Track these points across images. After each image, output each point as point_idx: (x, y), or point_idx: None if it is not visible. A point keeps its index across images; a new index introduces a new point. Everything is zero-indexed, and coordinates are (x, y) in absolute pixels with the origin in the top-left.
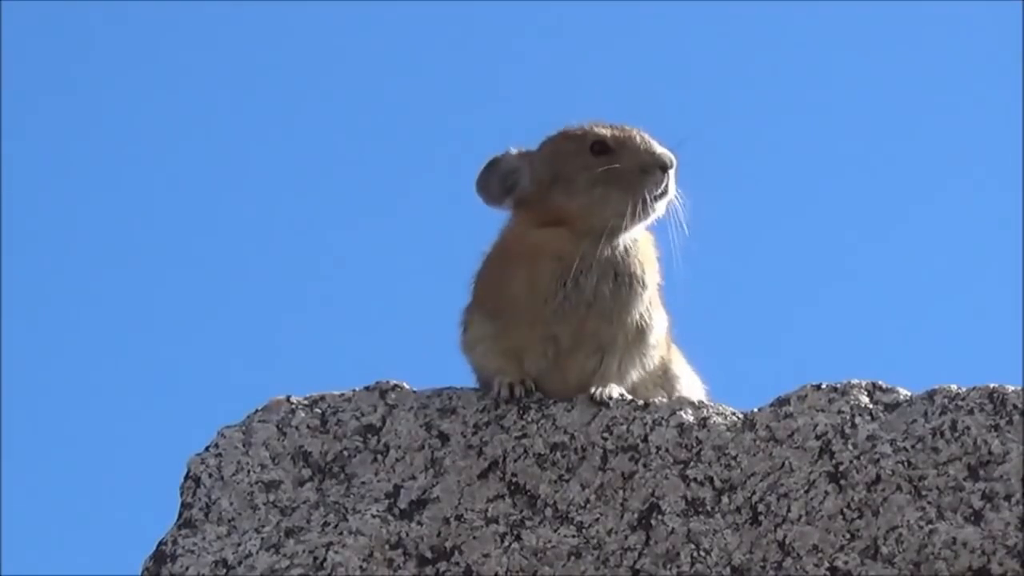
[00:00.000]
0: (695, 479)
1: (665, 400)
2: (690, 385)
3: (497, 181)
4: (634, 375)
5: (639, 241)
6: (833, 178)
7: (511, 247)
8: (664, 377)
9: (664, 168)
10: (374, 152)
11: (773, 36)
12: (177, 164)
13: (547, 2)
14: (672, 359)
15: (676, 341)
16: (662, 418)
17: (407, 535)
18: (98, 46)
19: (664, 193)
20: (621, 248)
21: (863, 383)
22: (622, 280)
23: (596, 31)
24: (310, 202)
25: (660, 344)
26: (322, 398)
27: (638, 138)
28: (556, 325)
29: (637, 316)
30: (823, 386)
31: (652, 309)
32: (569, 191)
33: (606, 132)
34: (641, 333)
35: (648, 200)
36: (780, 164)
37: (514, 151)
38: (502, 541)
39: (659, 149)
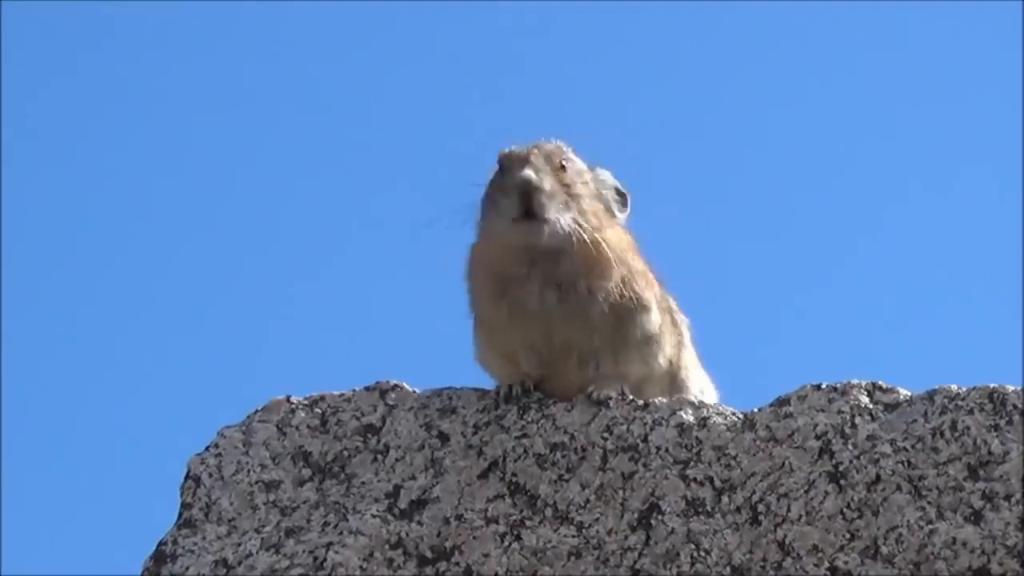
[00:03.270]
0: (695, 479)
1: (665, 400)
2: (701, 392)
3: None
4: (635, 371)
5: (584, 244)
6: (833, 178)
7: (468, 260)
8: (672, 384)
9: (516, 189)
10: (374, 152)
11: (775, 36)
12: (177, 164)
13: (549, 2)
14: (685, 364)
15: (694, 344)
16: (662, 418)
17: (407, 535)
18: (98, 46)
19: (530, 215)
20: (559, 255)
21: (863, 383)
22: (567, 288)
23: (597, 30)
24: (310, 202)
25: (660, 340)
26: (322, 398)
27: (514, 157)
28: (525, 334)
29: (612, 318)
30: (823, 386)
31: (637, 308)
32: (482, 206)
33: (506, 151)
34: (625, 332)
35: (510, 222)
36: (780, 164)
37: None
38: (502, 541)
39: (517, 173)
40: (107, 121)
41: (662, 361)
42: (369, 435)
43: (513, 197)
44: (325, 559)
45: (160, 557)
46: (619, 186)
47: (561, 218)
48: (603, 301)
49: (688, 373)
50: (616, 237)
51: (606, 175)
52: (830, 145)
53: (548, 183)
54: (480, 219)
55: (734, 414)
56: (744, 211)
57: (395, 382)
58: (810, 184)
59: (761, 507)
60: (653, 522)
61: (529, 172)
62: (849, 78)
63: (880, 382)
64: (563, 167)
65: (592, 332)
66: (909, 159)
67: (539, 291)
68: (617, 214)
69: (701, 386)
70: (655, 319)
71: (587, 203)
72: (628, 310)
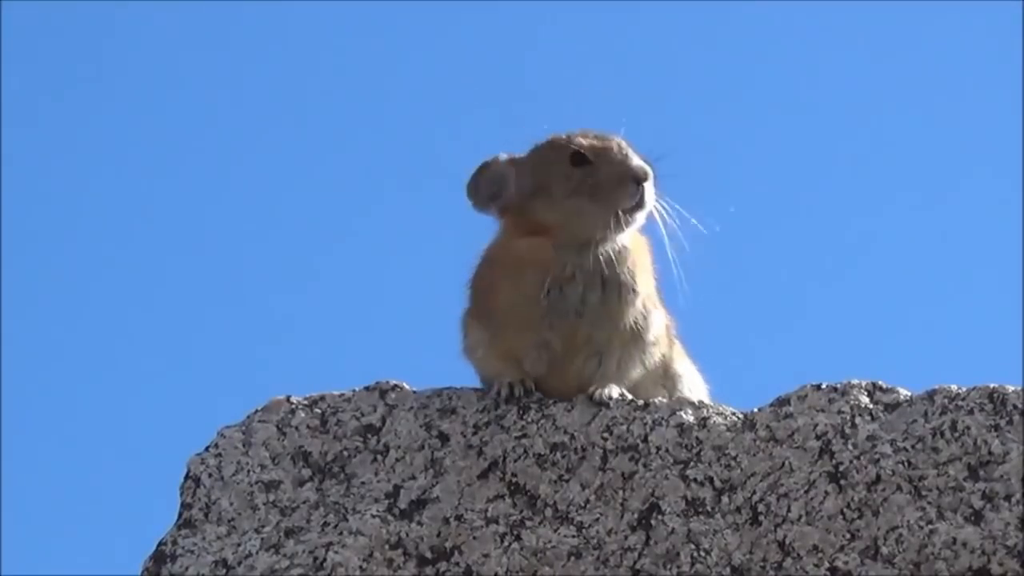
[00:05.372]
0: (695, 479)
1: (665, 400)
2: (692, 383)
3: (485, 186)
4: (635, 374)
5: (629, 248)
6: (833, 178)
7: (496, 256)
8: (665, 376)
9: (639, 181)
10: (374, 152)
11: (773, 36)
12: (177, 164)
13: (548, 1)
14: (674, 357)
15: (680, 338)
16: (662, 418)
17: (407, 535)
18: (98, 46)
19: (640, 205)
20: (607, 256)
21: (863, 383)
22: (611, 289)
23: (598, 30)
24: (310, 202)
25: (660, 341)
26: (322, 398)
27: (616, 149)
28: (546, 332)
29: (631, 321)
30: (823, 386)
31: (648, 310)
32: (548, 202)
33: (586, 143)
34: (636, 335)
35: (623, 213)
36: (780, 163)
37: (504, 157)
38: (502, 541)
39: (635, 161)
40: (107, 121)
41: (657, 360)
42: (369, 435)
43: (630, 187)
44: (325, 559)
45: (160, 557)
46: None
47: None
48: (640, 303)
49: (678, 365)
50: (645, 239)
51: None
52: (830, 144)
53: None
54: (546, 210)
55: (734, 414)
56: (744, 210)
57: (395, 382)
58: (810, 183)
59: (761, 507)
60: (653, 522)
61: (642, 161)
62: (849, 77)
63: (880, 382)
64: None
65: (617, 333)
66: (909, 158)
67: (583, 289)
68: None
69: (690, 377)
70: (663, 320)
71: None
72: (650, 311)
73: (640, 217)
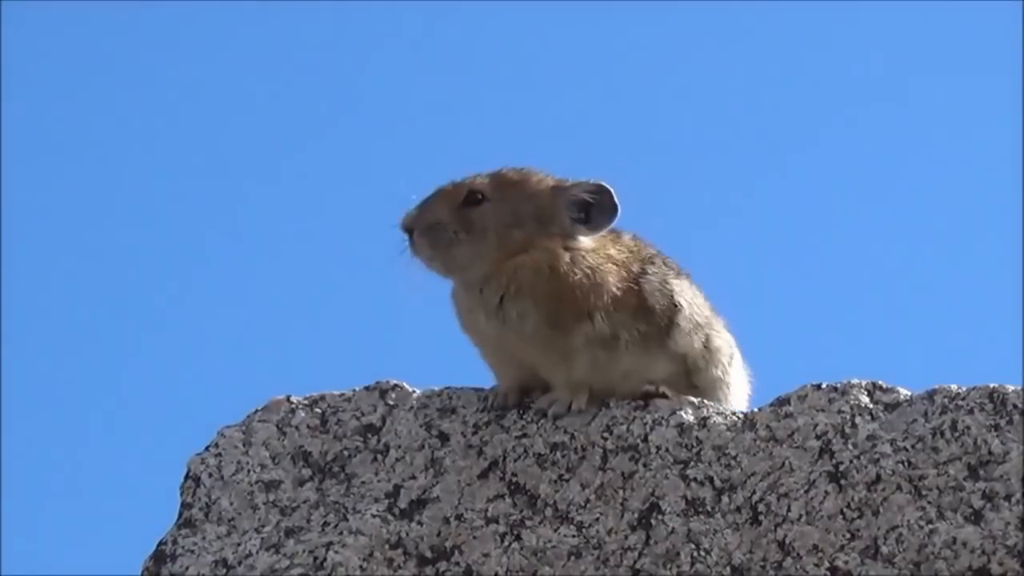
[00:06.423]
0: (695, 479)
1: (664, 400)
2: (736, 395)
3: None
4: (599, 378)
5: (513, 272)
6: (833, 178)
7: None
8: (711, 396)
9: (404, 230)
10: (374, 152)
11: (774, 35)
12: (177, 164)
13: (549, 2)
14: (730, 381)
15: (740, 349)
16: (662, 418)
17: (407, 535)
18: (98, 46)
19: (411, 251)
20: (506, 282)
21: (863, 383)
22: (502, 314)
23: (596, 33)
24: (310, 201)
25: (635, 350)
26: (322, 398)
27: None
28: (493, 353)
29: (544, 337)
30: (823, 386)
31: (576, 318)
32: None
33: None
34: (565, 345)
35: (416, 256)
36: (780, 164)
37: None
38: (502, 541)
39: (405, 213)
40: (106, 121)
41: (644, 365)
42: (369, 435)
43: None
44: (325, 559)
45: (160, 557)
46: (589, 198)
47: (441, 253)
48: (536, 322)
49: (728, 391)
50: (547, 258)
51: (577, 190)
52: (830, 144)
53: (429, 221)
54: None
55: (734, 414)
56: (744, 210)
57: (395, 382)
58: (810, 183)
59: (761, 507)
60: (653, 522)
61: (406, 214)
62: (849, 76)
63: (880, 382)
64: (472, 202)
65: (533, 349)
66: (909, 158)
67: (484, 317)
68: (584, 231)
69: (737, 386)
70: (601, 327)
71: (493, 234)
72: (565, 323)
73: (417, 261)
